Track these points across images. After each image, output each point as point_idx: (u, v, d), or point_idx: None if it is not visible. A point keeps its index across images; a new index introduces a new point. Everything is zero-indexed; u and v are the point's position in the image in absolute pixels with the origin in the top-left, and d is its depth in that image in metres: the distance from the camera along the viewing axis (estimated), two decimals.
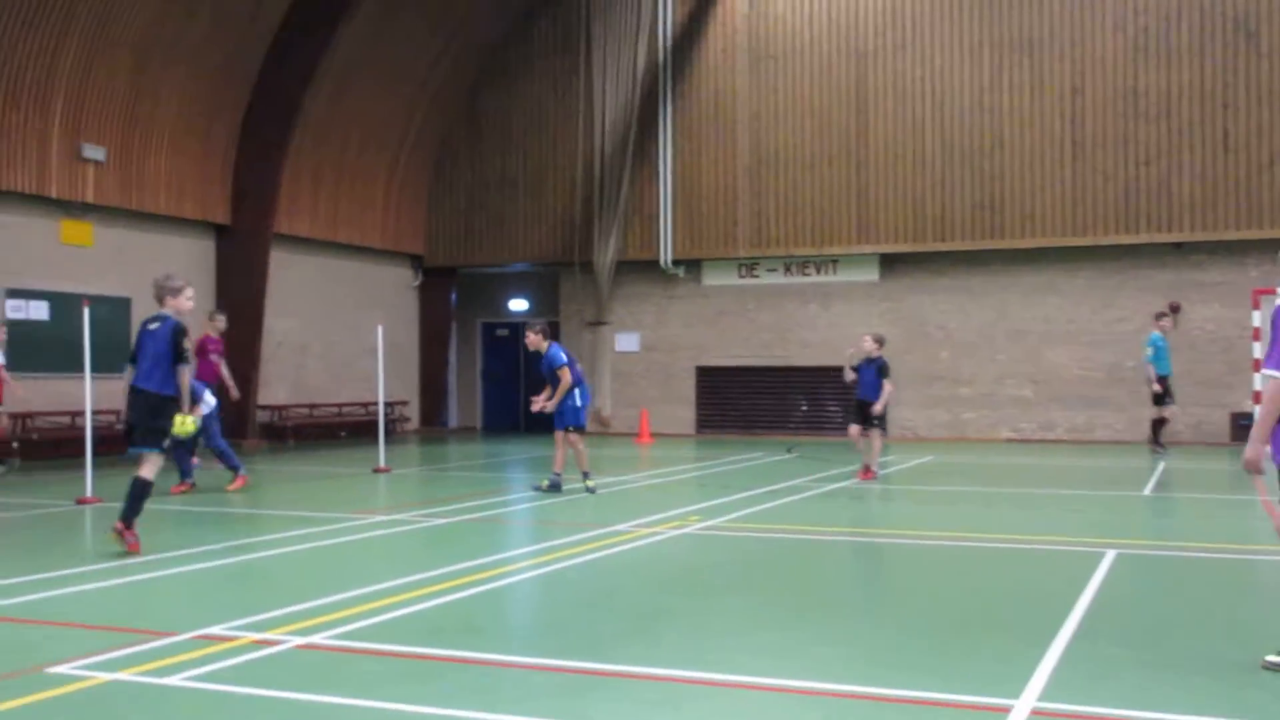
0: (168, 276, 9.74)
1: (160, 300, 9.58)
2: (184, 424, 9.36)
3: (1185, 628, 6.82)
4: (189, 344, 9.42)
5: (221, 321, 15.85)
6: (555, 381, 14.02)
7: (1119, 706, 5.13)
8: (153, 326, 9.43)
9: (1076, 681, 5.54)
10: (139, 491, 9.20)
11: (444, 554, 9.45)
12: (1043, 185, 23.77)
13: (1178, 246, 23.12)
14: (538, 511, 12.53)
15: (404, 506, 12.77)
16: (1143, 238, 23.12)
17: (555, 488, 13.93)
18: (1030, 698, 5.21)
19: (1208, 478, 16.51)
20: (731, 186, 25.98)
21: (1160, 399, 19.46)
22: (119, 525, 9.16)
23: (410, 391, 28.08)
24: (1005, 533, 10.82)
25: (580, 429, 14.17)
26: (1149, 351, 19.43)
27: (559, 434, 14.14)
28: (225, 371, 15.58)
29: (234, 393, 16.00)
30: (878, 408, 15.26)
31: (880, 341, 15.75)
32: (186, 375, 9.34)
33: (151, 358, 9.30)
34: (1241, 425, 22.06)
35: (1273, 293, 21.49)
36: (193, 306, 9.89)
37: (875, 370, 15.39)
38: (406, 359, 27.76)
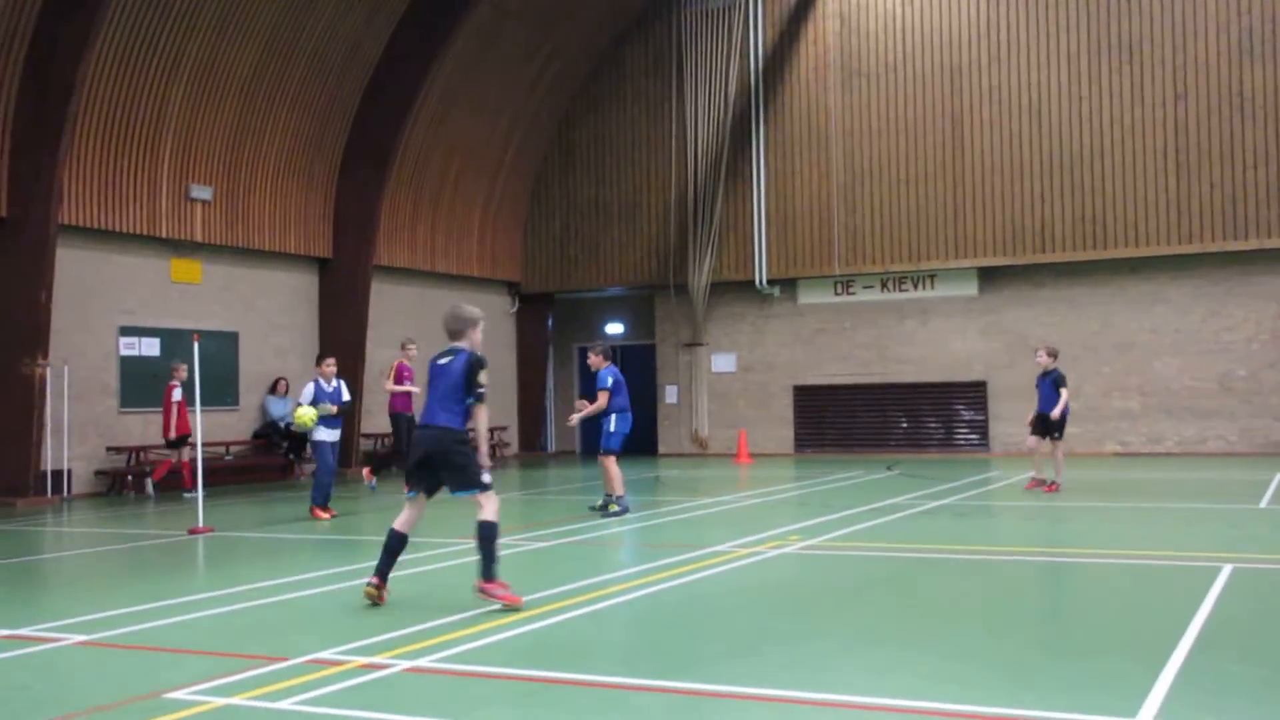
0: (458, 306, 8.78)
1: (455, 334, 8.55)
2: (304, 416, 9.40)
3: None
4: (485, 378, 8.37)
5: (413, 350, 17.58)
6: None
7: None
8: (444, 361, 8.44)
9: (1194, 699, 5.39)
10: (487, 535, 8.09)
11: (546, 577, 9.50)
12: (1146, 193, 23.27)
13: None
14: (638, 534, 12.55)
15: (505, 531, 12.85)
16: (1252, 244, 22.50)
17: (623, 509, 13.98)
18: (1147, 716, 5.08)
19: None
20: (825, 204, 25.86)
21: None
22: (480, 584, 8.05)
23: (509, 417, 28.34)
24: (1117, 548, 10.57)
25: (611, 453, 14.15)
26: None
27: (601, 458, 14.23)
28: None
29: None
30: (1055, 413, 15.55)
31: (1054, 354, 16.26)
32: (483, 413, 8.32)
33: (442, 392, 8.31)
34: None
35: None
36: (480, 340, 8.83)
37: (1051, 382, 15.80)
38: (505, 384, 28.04)
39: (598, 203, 28.07)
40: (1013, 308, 24.67)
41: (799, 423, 26.59)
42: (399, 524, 8.38)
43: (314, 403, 14.35)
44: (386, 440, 22.84)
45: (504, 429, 27.81)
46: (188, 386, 17.06)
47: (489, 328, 27.53)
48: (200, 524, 13.28)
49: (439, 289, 26.13)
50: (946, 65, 24.89)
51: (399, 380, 17.74)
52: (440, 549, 11.27)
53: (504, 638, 7.06)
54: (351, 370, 22.54)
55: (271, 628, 7.79)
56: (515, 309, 28.87)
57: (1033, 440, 16.08)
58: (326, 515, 14.32)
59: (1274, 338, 22.60)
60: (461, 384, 8.27)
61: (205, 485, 14.16)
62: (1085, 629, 7.08)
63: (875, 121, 25.49)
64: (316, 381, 14.72)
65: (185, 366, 17.68)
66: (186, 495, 17.62)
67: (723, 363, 27.15)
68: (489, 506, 8.14)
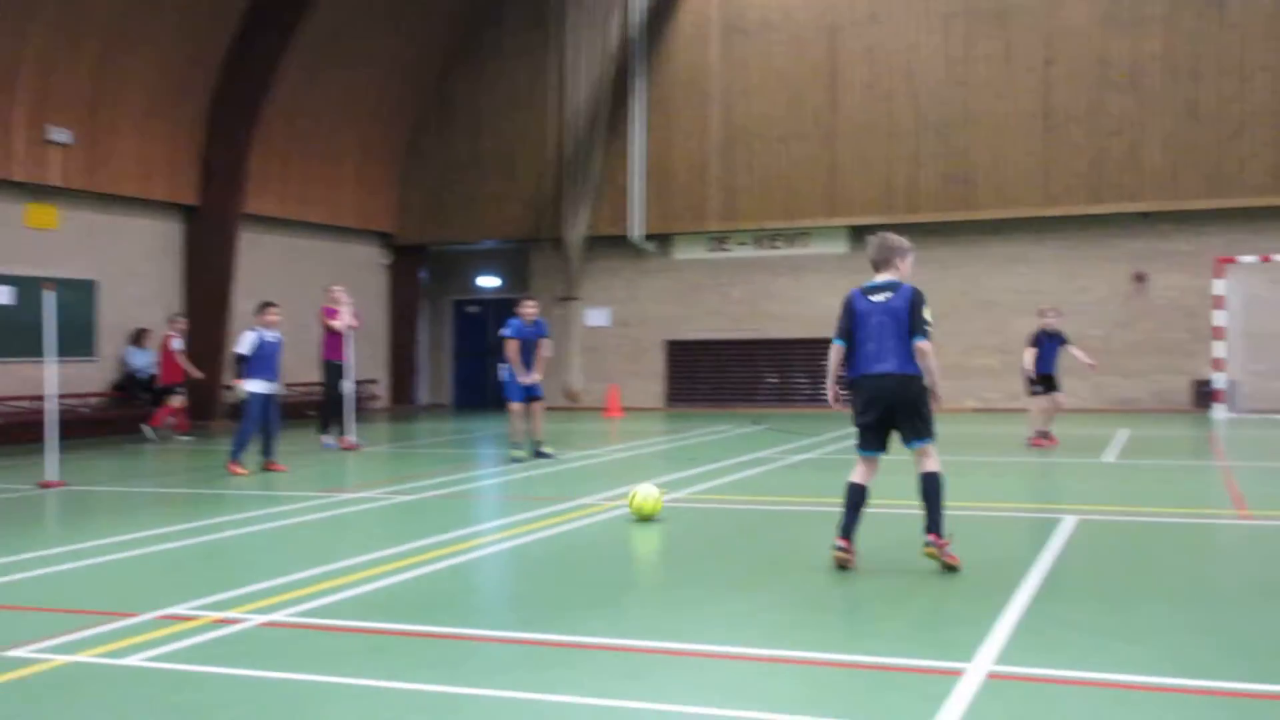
0: (886, 235, 7.85)
1: (882, 264, 7.71)
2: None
3: (1142, 591, 6.91)
4: (928, 314, 7.55)
5: (337, 291, 17.45)
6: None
7: (1073, 668, 5.21)
8: (879, 298, 7.56)
9: (1030, 643, 5.62)
10: (934, 489, 7.51)
11: (410, 530, 9.46)
12: (1013, 156, 23.85)
13: (1145, 216, 23.26)
14: (506, 487, 12.56)
15: (371, 484, 12.77)
16: (1110, 208, 23.26)
17: (519, 459, 14.78)
18: (985, 661, 5.28)
19: (1169, 444, 16.67)
20: (702, 161, 25.96)
21: None
22: (933, 538, 7.41)
23: (380, 370, 28.00)
24: (969, 500, 10.91)
25: (510, 402, 15.15)
26: None
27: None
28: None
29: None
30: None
31: (1058, 314, 16.71)
32: (930, 350, 7.46)
33: (884, 333, 7.48)
34: (1203, 392, 22.27)
35: (1234, 261, 21.70)
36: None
37: (1059, 342, 16.18)
38: (376, 337, 27.66)
39: (474, 155, 27.75)
40: None
41: (671, 377, 26.80)
42: (859, 477, 7.71)
43: (258, 355, 13.91)
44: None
45: (374, 382, 27.48)
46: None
47: (360, 280, 27.11)
48: (52, 477, 12.88)
49: (310, 239, 25.61)
50: (825, 25, 25.09)
51: (325, 323, 17.20)
52: (301, 502, 11.14)
53: (362, 592, 7.03)
54: (216, 320, 22.03)
55: (122, 583, 7.63)
56: (389, 261, 28.46)
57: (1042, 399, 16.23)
58: (242, 471, 13.63)
59: (1125, 300, 23.44)
60: (907, 320, 7.46)
61: (61, 438, 13.73)
62: (931, 578, 7.31)
63: (754, 79, 25.62)
64: (259, 331, 14.07)
65: (184, 320, 19.80)
66: (183, 439, 18.84)
67: (597, 317, 27.18)
68: (935, 457, 7.61)
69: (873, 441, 7.72)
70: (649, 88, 26.40)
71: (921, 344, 7.45)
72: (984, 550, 8.32)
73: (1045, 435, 16.02)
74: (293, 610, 6.50)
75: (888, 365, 7.49)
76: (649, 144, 26.36)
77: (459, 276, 29.54)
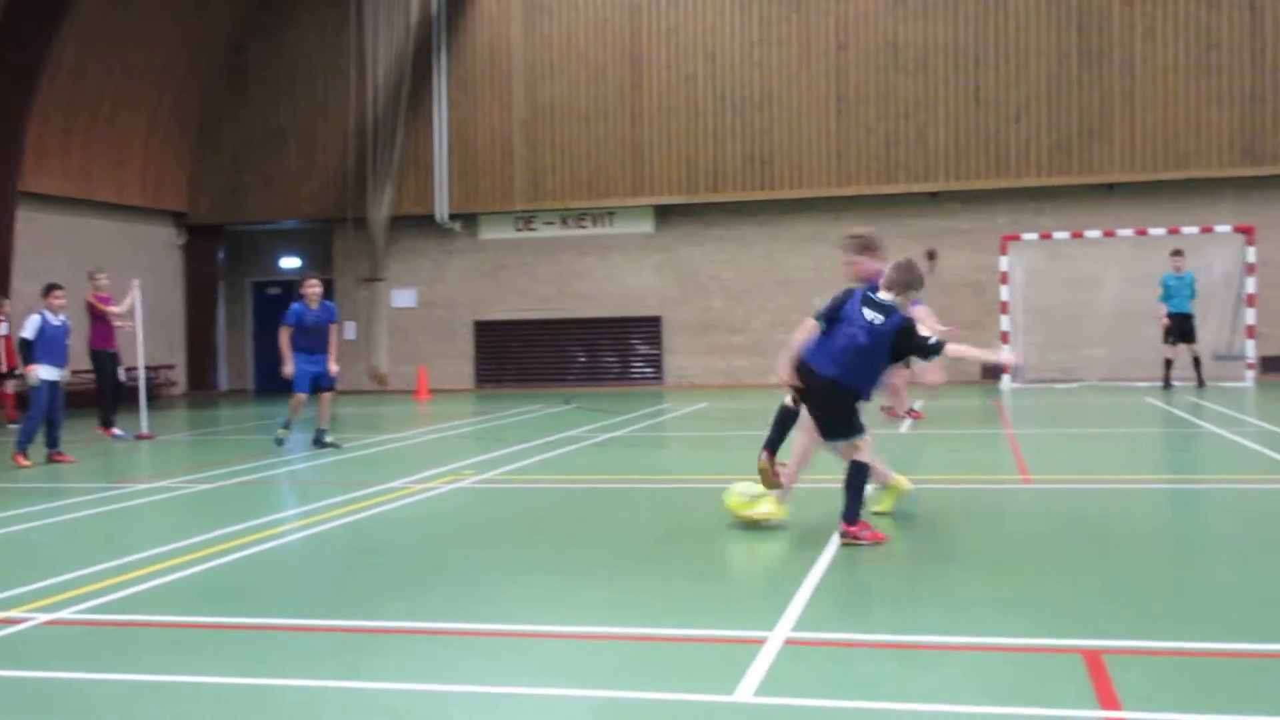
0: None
1: (893, 286, 7.67)
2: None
3: (933, 556, 7.24)
4: (923, 330, 7.71)
5: (103, 280, 16.38)
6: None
7: (867, 631, 5.43)
8: (871, 314, 7.59)
9: (828, 611, 5.82)
10: (854, 478, 7.52)
11: (208, 520, 9.16)
12: (810, 137, 24.49)
13: (933, 196, 24.21)
14: (310, 472, 12.29)
15: (167, 474, 12.31)
16: (901, 187, 24.13)
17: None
18: (785, 628, 5.44)
19: (960, 414, 17.43)
20: (507, 139, 25.83)
21: (1167, 336, 20.34)
22: (844, 527, 7.38)
23: (177, 355, 26.99)
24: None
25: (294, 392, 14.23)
26: (1160, 291, 20.51)
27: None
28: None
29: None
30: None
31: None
32: (946, 359, 7.78)
33: (852, 345, 7.56)
34: (991, 365, 23.32)
35: (1018, 239, 22.80)
36: None
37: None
38: (172, 321, 26.65)
39: (272, 131, 26.94)
40: (686, 245, 25.51)
41: (480, 358, 26.65)
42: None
43: (43, 339, 13.22)
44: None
45: (171, 367, 26.47)
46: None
47: (153, 261, 26.03)
48: None
49: (96, 218, 24.45)
50: (626, 4, 25.23)
51: (99, 311, 16.11)
52: (91, 494, 10.67)
53: (156, 585, 6.78)
54: None
55: None
56: (183, 241, 27.40)
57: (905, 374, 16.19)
58: (27, 463, 12.90)
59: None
60: (887, 346, 7.64)
61: None
62: (737, 551, 7.49)
63: (557, 58, 25.60)
64: (43, 315, 13.37)
65: (8, 301, 18.51)
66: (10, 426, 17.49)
67: (403, 298, 26.79)
68: (865, 449, 7.65)
69: None
70: (451, 65, 26.10)
71: (937, 361, 7.84)
72: (790, 522, 8.54)
73: (911, 409, 16.02)
74: (81, 607, 6.23)
75: (832, 372, 7.58)
76: (452, 122, 26.08)
77: (259, 257, 28.68)
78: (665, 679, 4.81)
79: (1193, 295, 20.56)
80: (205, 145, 27.17)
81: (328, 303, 14.38)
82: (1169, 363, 20.73)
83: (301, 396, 14.00)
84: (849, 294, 7.78)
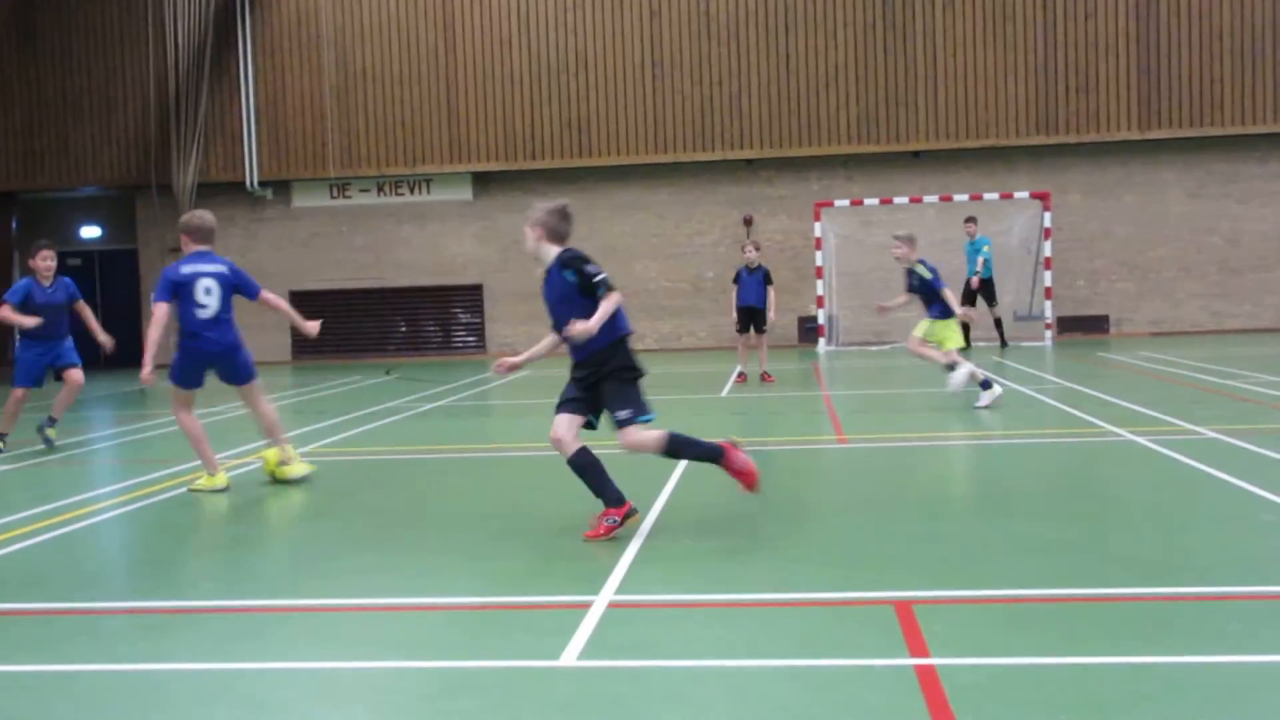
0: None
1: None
2: None
3: (752, 516, 7.40)
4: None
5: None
6: None
7: (687, 592, 5.53)
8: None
9: (650, 574, 5.89)
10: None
11: (11, 501, 8.73)
12: (625, 104, 24.58)
13: (749, 163, 24.61)
14: (117, 450, 11.81)
15: None
16: (717, 155, 24.45)
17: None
18: (609, 592, 5.49)
19: (778, 377, 17.82)
20: (318, 105, 25.18)
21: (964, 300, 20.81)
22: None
23: None
24: (597, 439, 11.27)
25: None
26: (980, 262, 21.03)
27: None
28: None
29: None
30: (772, 315, 15.96)
31: (759, 249, 16.46)
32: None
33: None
34: (808, 328, 23.95)
35: (831, 205, 23.38)
36: None
37: (761, 277, 15.86)
38: None
39: (66, 94, 25.65)
40: (506, 213, 25.34)
41: (296, 329, 25.98)
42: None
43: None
44: None
45: None
46: None
47: None
48: None
49: None
50: None
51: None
52: None
53: None
54: None
55: None
56: None
57: (745, 338, 16.18)
58: None
59: (736, 241, 24.77)
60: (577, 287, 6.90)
61: None
62: (561, 518, 7.52)
63: (367, 21, 25.03)
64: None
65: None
66: None
67: None
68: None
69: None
70: (257, 28, 25.27)
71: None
72: None
73: (764, 374, 16.24)
74: None
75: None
76: (260, 86, 25.29)
77: (56, 226, 27.26)
78: (490, 647, 4.81)
79: (988, 260, 21.36)
80: None
81: (65, 279, 11.82)
82: (998, 322, 21.60)
83: (19, 393, 11.56)
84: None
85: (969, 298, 21.07)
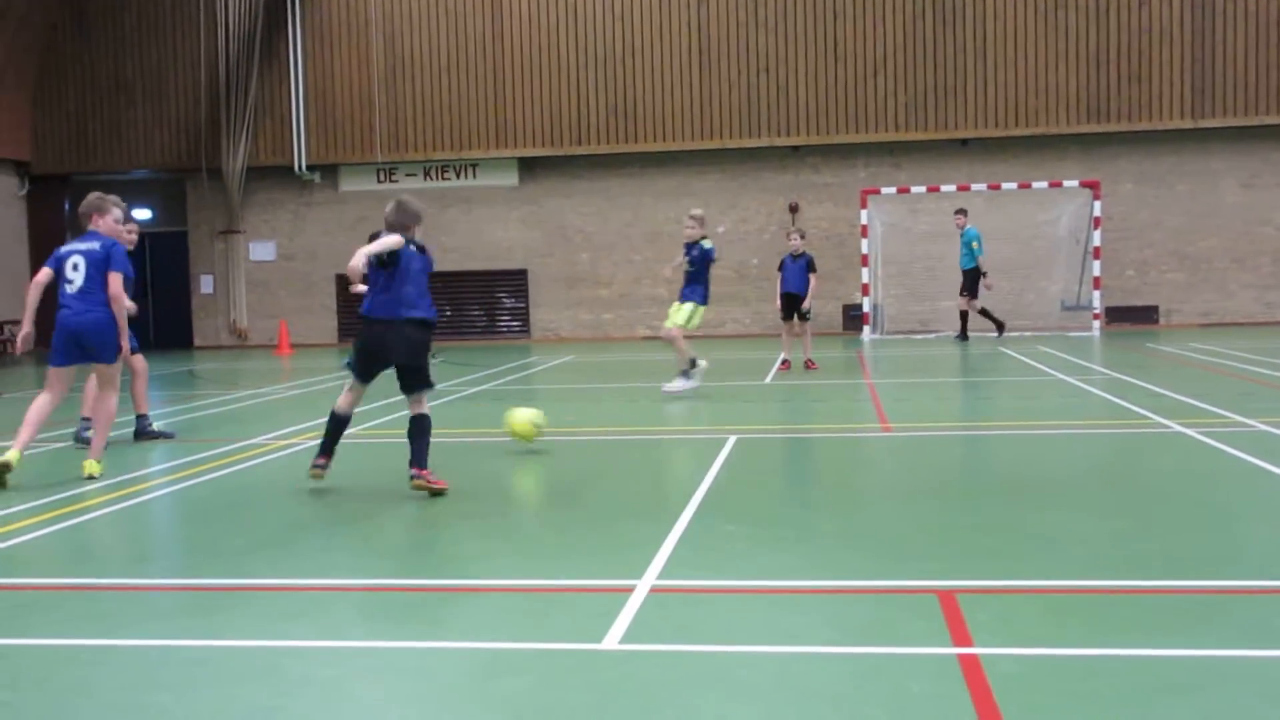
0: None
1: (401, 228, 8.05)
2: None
3: (796, 503, 7.41)
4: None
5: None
6: None
7: (731, 578, 5.54)
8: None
9: (694, 558, 5.91)
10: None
11: (61, 479, 8.88)
12: (672, 91, 24.55)
13: (795, 150, 24.52)
14: (171, 429, 11.96)
15: (13, 434, 11.84)
16: (763, 141, 24.37)
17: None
18: (651, 577, 5.52)
19: (823, 365, 17.77)
20: (366, 89, 25.33)
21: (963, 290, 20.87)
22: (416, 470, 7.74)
23: (20, 310, 25.94)
24: (640, 425, 11.31)
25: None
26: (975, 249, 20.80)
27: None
28: None
29: None
30: (807, 303, 15.88)
31: (804, 236, 16.50)
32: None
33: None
34: (852, 315, 23.85)
35: (877, 192, 23.25)
36: None
37: (804, 265, 15.92)
38: (17, 275, 25.60)
39: (119, 78, 25.96)
40: (551, 198, 25.41)
41: (343, 312, 26.21)
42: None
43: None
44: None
45: (15, 324, 25.43)
46: None
47: None
48: None
49: None
50: None
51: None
52: None
53: (7, 546, 6.56)
54: None
55: None
56: (25, 191, 26.30)
57: (787, 324, 16.26)
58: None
59: (781, 229, 24.68)
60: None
61: None
62: (606, 502, 7.56)
63: (415, 7, 25.14)
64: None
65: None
66: None
67: (261, 251, 26.18)
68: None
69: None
70: (306, 13, 25.45)
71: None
72: (656, 473, 8.66)
73: (808, 361, 16.23)
74: None
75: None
76: (309, 71, 25.47)
77: None
78: (536, 629, 4.85)
79: (972, 252, 21.01)
80: (47, 92, 26.06)
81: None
82: (964, 315, 21.36)
83: (141, 363, 11.35)
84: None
85: (973, 288, 20.89)
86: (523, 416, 9.57)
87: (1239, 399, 11.51)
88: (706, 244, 13.37)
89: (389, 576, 5.77)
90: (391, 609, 5.30)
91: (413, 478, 7.73)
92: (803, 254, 16.02)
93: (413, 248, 8.06)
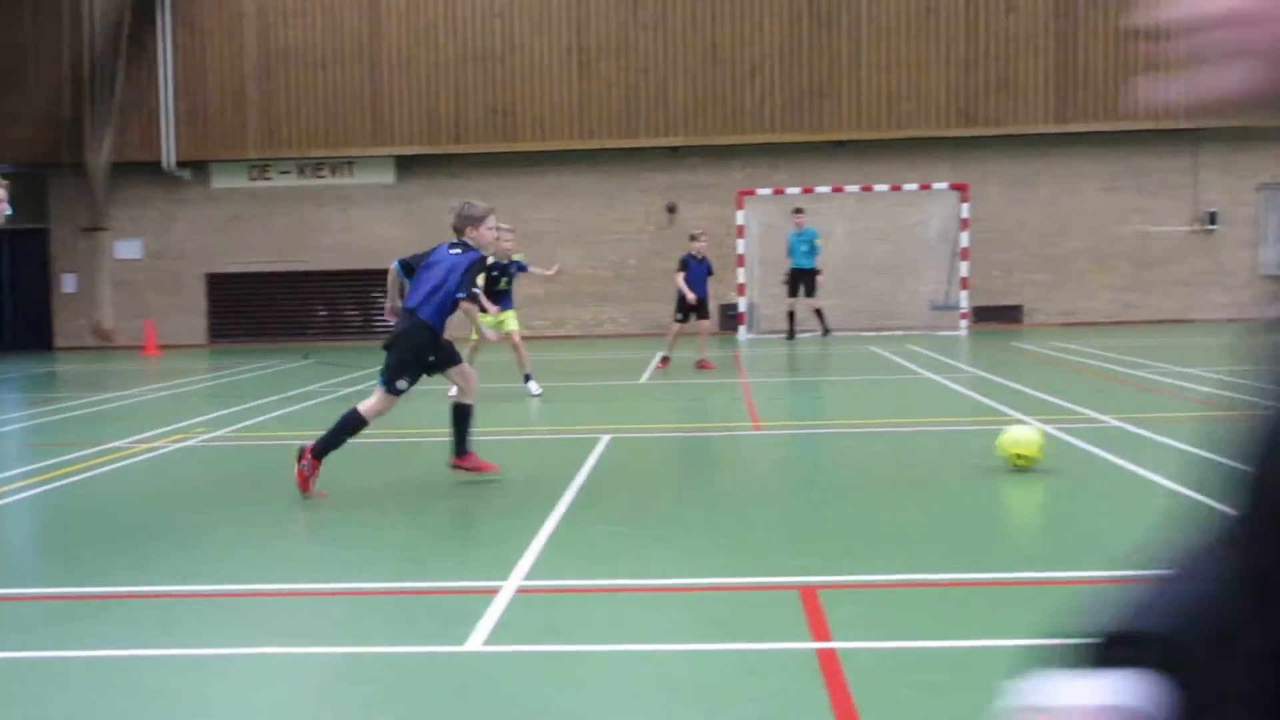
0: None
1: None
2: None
3: (667, 501, 7.47)
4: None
5: None
6: None
7: (600, 576, 5.57)
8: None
9: (561, 558, 5.93)
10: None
11: None
12: (551, 90, 24.51)
13: (673, 150, 24.68)
14: (25, 434, 11.59)
15: None
16: (642, 141, 24.47)
17: None
18: (518, 578, 5.52)
19: (692, 365, 17.93)
20: (239, 85, 24.80)
21: (791, 291, 21.32)
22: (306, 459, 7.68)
23: None
24: (515, 425, 11.29)
25: None
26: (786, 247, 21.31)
27: None
28: None
29: None
30: (692, 295, 16.00)
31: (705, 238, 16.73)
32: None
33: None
34: (729, 315, 24.11)
35: (753, 193, 23.53)
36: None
37: (708, 267, 16.17)
38: None
39: None
40: (429, 197, 25.16)
41: (213, 312, 25.64)
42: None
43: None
44: None
45: None
46: None
47: None
48: None
49: None
50: None
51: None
52: None
53: None
54: None
55: None
56: None
57: (678, 326, 16.23)
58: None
59: (659, 229, 24.86)
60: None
61: None
62: (477, 503, 7.53)
63: (290, 2, 24.68)
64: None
65: None
66: None
67: (127, 249, 25.45)
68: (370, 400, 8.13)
69: None
70: (177, 5, 24.80)
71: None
72: (524, 472, 8.66)
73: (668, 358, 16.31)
74: None
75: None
76: (179, 65, 24.85)
77: None
78: (396, 633, 4.82)
79: (813, 251, 21.52)
80: None
81: None
82: (791, 315, 21.83)
83: None
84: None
85: (795, 288, 21.42)
86: (1026, 437, 7.94)
87: (1095, 396, 11.92)
88: (521, 260, 14.23)
89: (247, 582, 5.67)
90: (250, 615, 5.22)
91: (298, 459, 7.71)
92: (704, 257, 16.36)
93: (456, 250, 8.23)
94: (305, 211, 25.35)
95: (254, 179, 25.40)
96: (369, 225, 25.25)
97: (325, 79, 24.69)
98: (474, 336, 13.40)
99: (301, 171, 25.32)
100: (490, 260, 13.63)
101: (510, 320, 13.95)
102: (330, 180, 25.32)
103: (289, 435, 10.86)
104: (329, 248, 25.32)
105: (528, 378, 13.73)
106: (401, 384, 7.90)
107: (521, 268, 14.12)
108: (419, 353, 7.89)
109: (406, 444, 10.50)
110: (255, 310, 25.66)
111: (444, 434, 10.47)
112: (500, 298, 13.97)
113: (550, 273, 14.89)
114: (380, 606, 5.25)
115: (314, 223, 25.37)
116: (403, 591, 5.43)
